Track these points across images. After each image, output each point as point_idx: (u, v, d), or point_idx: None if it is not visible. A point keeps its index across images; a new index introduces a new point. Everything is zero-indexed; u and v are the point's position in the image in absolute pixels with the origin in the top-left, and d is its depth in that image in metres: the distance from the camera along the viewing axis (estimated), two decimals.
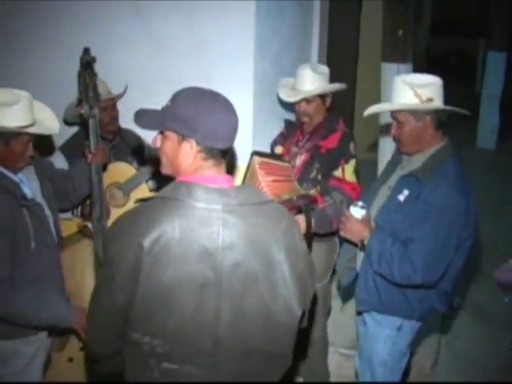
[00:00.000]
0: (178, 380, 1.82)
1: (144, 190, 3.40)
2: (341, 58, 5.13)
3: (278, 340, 1.84)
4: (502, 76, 8.55)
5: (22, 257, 2.58)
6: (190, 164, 1.80)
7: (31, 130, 2.53)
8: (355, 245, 2.79)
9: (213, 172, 1.81)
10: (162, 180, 3.40)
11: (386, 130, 4.43)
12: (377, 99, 4.41)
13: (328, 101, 3.33)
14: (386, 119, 4.29)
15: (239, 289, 1.76)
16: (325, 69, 3.43)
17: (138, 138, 3.60)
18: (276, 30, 3.80)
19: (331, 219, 3.08)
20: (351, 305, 3.37)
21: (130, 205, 3.34)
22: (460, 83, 10.42)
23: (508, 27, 8.44)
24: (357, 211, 2.72)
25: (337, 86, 3.41)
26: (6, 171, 2.60)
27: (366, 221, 2.71)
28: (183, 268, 1.71)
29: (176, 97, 1.84)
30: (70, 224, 3.14)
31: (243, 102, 3.45)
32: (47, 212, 2.79)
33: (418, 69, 3.98)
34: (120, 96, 3.50)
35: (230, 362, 1.82)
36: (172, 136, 1.80)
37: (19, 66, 3.88)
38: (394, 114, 2.67)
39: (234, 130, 1.80)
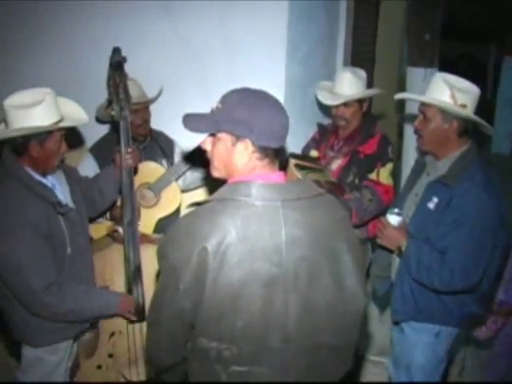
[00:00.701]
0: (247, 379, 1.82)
1: (175, 190, 3.37)
2: (361, 61, 5.07)
3: (345, 331, 1.88)
4: None
5: (59, 262, 2.58)
6: (244, 164, 1.81)
7: (62, 124, 2.51)
8: (390, 252, 2.77)
9: (267, 170, 1.82)
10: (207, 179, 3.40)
11: (409, 136, 4.38)
12: (392, 103, 4.37)
13: (365, 105, 3.34)
14: (409, 130, 4.26)
15: (305, 282, 1.77)
16: (363, 73, 3.43)
17: (170, 141, 3.55)
18: (305, 33, 3.76)
19: (351, 211, 3.06)
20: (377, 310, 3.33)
21: (161, 205, 3.31)
22: None
23: None
24: (393, 218, 2.71)
25: (374, 91, 3.46)
26: (38, 177, 2.58)
27: (402, 228, 2.69)
28: (249, 267, 1.72)
29: (226, 99, 1.85)
30: (99, 227, 3.11)
31: None
32: (79, 216, 2.75)
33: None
34: (154, 99, 3.45)
35: (299, 359, 1.83)
36: (225, 137, 1.81)
37: (45, 65, 3.83)
38: (423, 107, 2.64)
39: (286, 129, 1.81)
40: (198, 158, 3.33)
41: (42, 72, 3.78)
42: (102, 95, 3.32)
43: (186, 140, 3.55)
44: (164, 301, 1.81)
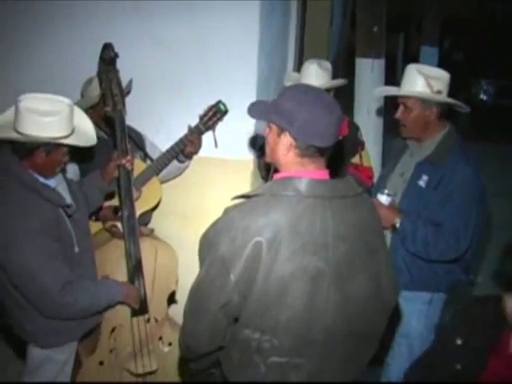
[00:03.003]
0: (285, 373, 1.86)
1: (156, 184, 3.38)
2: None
3: (376, 322, 1.97)
4: None
5: (68, 262, 2.58)
6: (284, 156, 1.86)
7: (71, 141, 2.48)
8: None
9: (312, 168, 1.85)
10: None
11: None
12: None
13: (331, 95, 3.39)
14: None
15: (346, 278, 1.84)
16: (328, 65, 3.57)
17: (139, 134, 3.54)
18: (269, 28, 3.84)
19: None
20: None
21: (143, 199, 3.31)
22: None
23: (438, 22, 8.83)
24: (384, 198, 2.89)
25: (339, 82, 3.56)
26: (43, 180, 2.55)
27: (393, 206, 2.88)
28: (299, 262, 1.77)
29: (283, 91, 1.92)
30: (93, 223, 3.08)
31: (246, 100, 3.48)
32: (81, 215, 2.74)
33: (340, 61, 4.17)
34: (126, 92, 3.43)
35: (335, 350, 1.89)
36: (273, 127, 1.88)
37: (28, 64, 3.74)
38: (402, 99, 2.84)
39: (333, 129, 1.81)
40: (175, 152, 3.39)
41: (9, 73, 3.70)
42: (73, 94, 3.27)
43: (154, 135, 3.61)
44: (211, 291, 1.83)
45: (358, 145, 3.38)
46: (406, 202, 2.87)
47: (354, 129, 3.46)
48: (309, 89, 1.89)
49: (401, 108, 2.86)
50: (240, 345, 1.88)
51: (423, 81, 2.76)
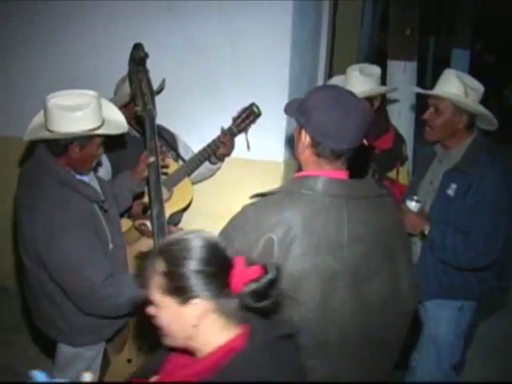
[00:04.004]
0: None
1: (187, 185, 3.39)
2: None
3: (395, 327, 1.92)
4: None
5: (106, 256, 2.59)
6: (303, 155, 1.87)
7: (104, 131, 2.49)
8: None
9: (329, 168, 1.84)
10: None
11: None
12: None
13: (376, 103, 3.32)
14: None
15: (363, 279, 1.82)
16: (374, 70, 3.42)
17: (172, 134, 3.56)
18: (302, 30, 3.84)
19: None
20: None
21: (174, 200, 3.34)
22: None
23: (470, 24, 8.73)
24: (413, 205, 2.86)
25: (384, 89, 3.47)
26: (80, 177, 2.57)
27: (423, 213, 2.85)
28: (312, 260, 1.76)
29: (313, 89, 1.96)
30: (124, 221, 3.10)
31: (278, 102, 3.46)
32: (114, 212, 2.76)
33: (370, 63, 4.05)
34: (159, 91, 3.46)
35: (352, 353, 1.87)
36: (297, 125, 1.89)
37: (43, 65, 3.80)
38: (434, 100, 2.81)
39: (348, 133, 1.79)
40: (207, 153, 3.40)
41: (41, 71, 3.75)
42: (105, 93, 3.30)
43: (185, 136, 3.63)
44: None
45: (399, 160, 3.32)
46: (435, 211, 2.84)
47: (400, 142, 3.39)
48: (334, 90, 1.89)
49: (431, 109, 2.83)
50: None
51: (461, 87, 2.73)
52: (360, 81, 3.30)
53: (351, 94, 1.88)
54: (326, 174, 1.83)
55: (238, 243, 1.79)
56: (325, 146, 1.81)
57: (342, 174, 1.86)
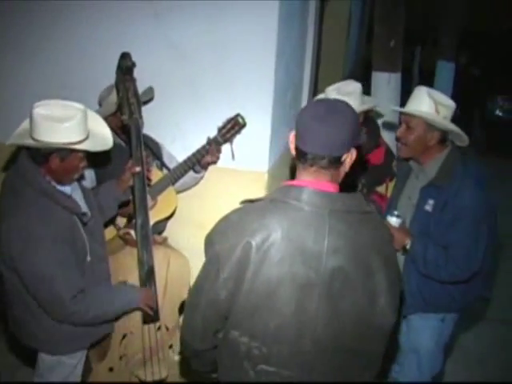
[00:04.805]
0: (274, 380, 1.90)
1: (171, 194, 3.40)
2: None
3: (370, 339, 1.92)
4: (451, 86, 8.89)
5: (81, 270, 2.59)
6: (294, 163, 1.93)
7: (85, 146, 2.48)
8: None
9: (314, 177, 1.87)
10: None
11: None
12: None
13: (360, 119, 3.28)
14: None
15: (338, 292, 1.84)
16: (353, 87, 3.39)
17: (156, 143, 3.57)
18: (288, 37, 3.85)
19: None
20: None
21: (158, 208, 3.34)
22: None
23: (455, 36, 8.81)
24: (394, 220, 2.90)
25: (363, 107, 3.40)
26: (59, 187, 2.57)
27: (403, 228, 2.88)
28: (288, 268, 1.81)
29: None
30: (109, 230, 3.10)
31: (263, 112, 3.51)
32: (96, 224, 2.76)
33: (356, 74, 4.08)
34: (148, 100, 3.47)
35: (325, 362, 1.90)
36: None
37: (32, 68, 3.77)
38: (406, 117, 2.83)
39: (322, 140, 1.82)
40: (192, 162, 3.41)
41: (28, 77, 3.74)
42: (91, 100, 3.30)
43: (170, 144, 3.63)
44: (204, 286, 1.93)
45: (388, 175, 3.34)
46: (415, 226, 2.88)
47: (390, 158, 3.42)
48: (320, 100, 2.01)
49: (403, 126, 2.86)
50: (230, 347, 1.94)
51: (432, 104, 2.76)
52: None
53: (330, 102, 1.93)
54: (311, 184, 1.86)
55: (219, 246, 1.87)
56: (304, 152, 1.86)
57: (329, 187, 1.89)
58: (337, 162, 1.87)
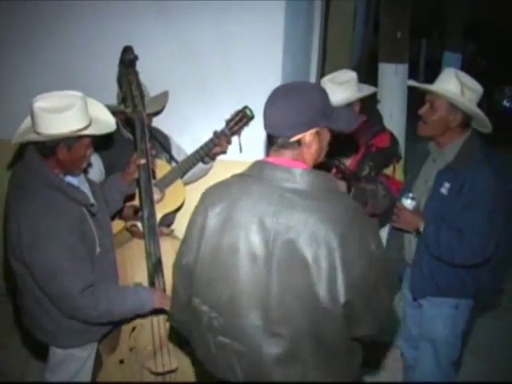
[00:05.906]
0: (229, 357, 1.97)
1: (179, 187, 3.41)
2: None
3: (323, 326, 1.86)
4: None
5: (90, 263, 2.59)
6: None
7: (90, 131, 2.48)
8: (405, 232, 3.00)
9: (274, 155, 1.96)
10: None
11: None
12: None
13: (356, 108, 3.27)
14: None
15: (288, 267, 1.84)
16: (347, 76, 3.32)
17: (165, 136, 3.58)
18: (295, 30, 3.85)
19: (367, 200, 3.23)
20: None
21: (166, 201, 3.35)
22: None
23: (462, 27, 8.76)
24: (408, 203, 2.90)
25: (358, 95, 3.31)
26: (68, 178, 2.57)
27: (417, 211, 2.89)
28: (241, 238, 1.89)
29: None
30: (116, 223, 3.10)
31: None
32: (104, 215, 2.76)
33: (363, 67, 4.07)
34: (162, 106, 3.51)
35: (277, 342, 1.88)
36: None
37: (36, 67, 3.79)
38: (431, 96, 2.81)
39: (272, 121, 1.90)
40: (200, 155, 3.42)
41: (30, 73, 3.75)
42: (95, 97, 3.31)
43: (177, 136, 3.64)
44: (180, 250, 2.12)
45: (394, 157, 3.35)
46: (429, 209, 2.86)
47: (396, 140, 3.44)
48: (286, 83, 2.02)
49: (427, 105, 2.83)
50: (195, 317, 2.04)
51: (458, 85, 2.74)
52: (333, 91, 3.04)
53: (294, 85, 1.98)
54: (274, 161, 1.93)
55: (192, 216, 2.06)
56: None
57: (291, 163, 1.92)
58: (293, 142, 1.90)
